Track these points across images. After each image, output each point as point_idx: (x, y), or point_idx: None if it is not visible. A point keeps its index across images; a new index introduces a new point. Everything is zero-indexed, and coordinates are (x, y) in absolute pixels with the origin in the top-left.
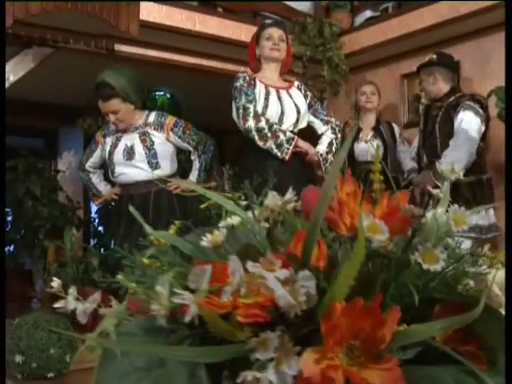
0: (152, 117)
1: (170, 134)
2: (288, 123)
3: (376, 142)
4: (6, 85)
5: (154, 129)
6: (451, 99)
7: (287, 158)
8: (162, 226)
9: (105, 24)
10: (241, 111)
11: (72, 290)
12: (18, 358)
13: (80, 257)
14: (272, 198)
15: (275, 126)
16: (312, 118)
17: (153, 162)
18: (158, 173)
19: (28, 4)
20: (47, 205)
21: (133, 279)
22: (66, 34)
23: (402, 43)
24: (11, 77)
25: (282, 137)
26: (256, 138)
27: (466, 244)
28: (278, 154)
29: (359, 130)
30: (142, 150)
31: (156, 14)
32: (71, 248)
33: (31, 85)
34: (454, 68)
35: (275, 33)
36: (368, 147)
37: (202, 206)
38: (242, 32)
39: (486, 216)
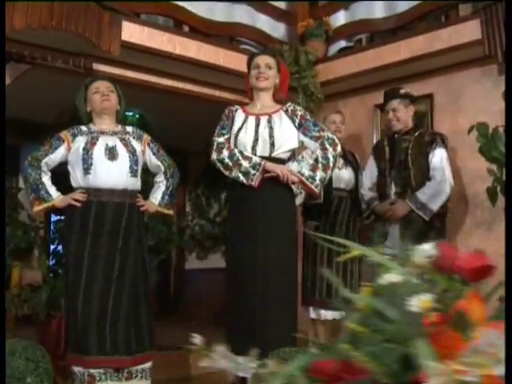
0: (130, 128)
1: (147, 148)
2: (262, 149)
3: (348, 170)
4: None
5: (133, 138)
6: (421, 134)
7: (255, 184)
8: (134, 240)
9: (86, 43)
10: (212, 145)
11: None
12: None
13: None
14: (419, 254)
15: (238, 155)
16: (302, 138)
17: (134, 168)
18: (135, 183)
19: (13, 19)
20: (9, 224)
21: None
22: (44, 51)
23: (376, 74)
24: None
25: (245, 164)
26: (221, 169)
27: None
28: (245, 181)
29: None
30: (125, 153)
31: (138, 36)
32: (43, 271)
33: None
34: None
35: (262, 61)
36: (340, 174)
37: (345, 256)
38: (220, 56)
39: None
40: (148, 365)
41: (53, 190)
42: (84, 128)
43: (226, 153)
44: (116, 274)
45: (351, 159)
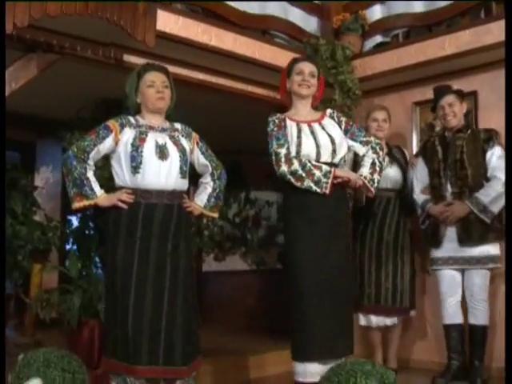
0: (179, 125)
1: (195, 147)
2: (326, 155)
3: (394, 168)
4: (8, 92)
5: (183, 136)
6: (474, 131)
7: (328, 191)
8: (184, 244)
9: (120, 32)
10: (273, 157)
11: None
12: None
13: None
14: None
15: (308, 165)
16: (351, 143)
17: (184, 168)
18: (184, 184)
19: (47, 5)
20: (26, 224)
21: None
22: (74, 41)
23: (416, 71)
24: (13, 83)
25: (317, 173)
26: (292, 180)
27: (481, 274)
28: (318, 190)
29: None
30: (176, 152)
31: (172, 25)
32: (76, 274)
33: (27, 93)
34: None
35: (307, 68)
36: (386, 174)
37: None
38: (255, 50)
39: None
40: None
41: (97, 187)
42: (132, 120)
43: (296, 164)
44: (168, 280)
45: (399, 156)
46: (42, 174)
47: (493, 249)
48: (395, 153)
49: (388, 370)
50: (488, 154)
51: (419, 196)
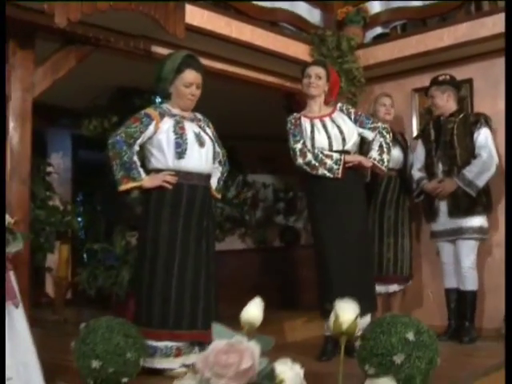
0: (200, 116)
1: (212, 136)
2: (336, 145)
3: (396, 150)
4: (50, 82)
5: (206, 126)
6: (466, 116)
7: (340, 176)
8: (212, 223)
9: (148, 25)
10: (291, 152)
11: None
12: (95, 364)
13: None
14: None
15: (320, 156)
16: (361, 130)
17: (214, 156)
18: (212, 169)
19: (83, 4)
20: (44, 208)
21: None
22: (107, 33)
23: (416, 60)
24: (54, 74)
25: (329, 162)
26: (308, 170)
27: (467, 243)
28: (331, 176)
29: None
30: (208, 140)
31: (199, 19)
32: (121, 251)
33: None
34: (459, 89)
35: (312, 71)
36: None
37: None
38: (270, 41)
39: (487, 220)
40: None
41: (142, 170)
42: (166, 109)
43: (310, 156)
44: (205, 254)
45: (400, 139)
46: (53, 160)
47: (479, 221)
48: (397, 136)
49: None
50: (475, 135)
51: (416, 173)
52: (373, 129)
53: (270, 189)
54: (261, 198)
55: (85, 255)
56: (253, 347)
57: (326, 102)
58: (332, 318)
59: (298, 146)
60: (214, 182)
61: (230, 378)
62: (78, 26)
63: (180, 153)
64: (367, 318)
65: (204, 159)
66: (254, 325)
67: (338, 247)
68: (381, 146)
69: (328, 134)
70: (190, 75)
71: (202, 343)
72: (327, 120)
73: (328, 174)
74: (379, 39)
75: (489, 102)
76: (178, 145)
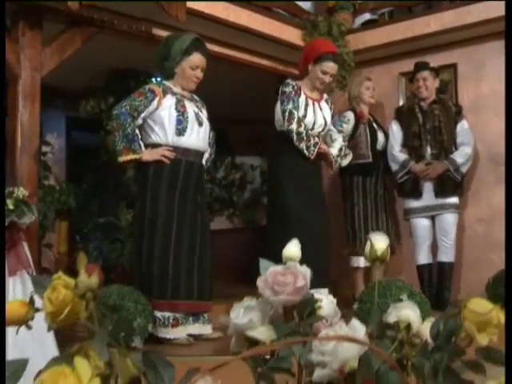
0: (196, 97)
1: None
2: (316, 131)
3: (380, 134)
4: (57, 63)
5: (202, 107)
6: (447, 105)
7: (312, 157)
8: (204, 198)
9: (150, 8)
10: (286, 114)
11: None
12: None
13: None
14: None
15: (309, 132)
16: (331, 127)
17: (209, 134)
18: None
19: None
20: (41, 187)
21: None
22: (111, 15)
23: (403, 45)
24: (60, 55)
25: (312, 141)
26: (294, 138)
27: (453, 216)
28: (306, 153)
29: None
30: (205, 120)
31: (198, 3)
32: (126, 224)
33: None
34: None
35: (331, 70)
36: (378, 138)
37: None
38: (265, 25)
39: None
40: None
41: (142, 144)
42: (169, 86)
43: (303, 128)
44: (199, 227)
45: (382, 125)
46: (48, 140)
47: (457, 199)
48: (378, 121)
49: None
50: (459, 125)
51: (399, 154)
52: (340, 131)
53: (257, 170)
54: (249, 179)
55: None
56: (304, 270)
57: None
58: (367, 247)
59: (297, 113)
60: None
61: (288, 293)
62: (83, 9)
63: (181, 130)
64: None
65: (202, 137)
66: (295, 260)
67: (304, 221)
68: (340, 149)
69: (315, 119)
70: (197, 58)
71: (197, 313)
72: (317, 105)
73: (305, 151)
74: (368, 25)
75: (472, 85)
76: (180, 122)
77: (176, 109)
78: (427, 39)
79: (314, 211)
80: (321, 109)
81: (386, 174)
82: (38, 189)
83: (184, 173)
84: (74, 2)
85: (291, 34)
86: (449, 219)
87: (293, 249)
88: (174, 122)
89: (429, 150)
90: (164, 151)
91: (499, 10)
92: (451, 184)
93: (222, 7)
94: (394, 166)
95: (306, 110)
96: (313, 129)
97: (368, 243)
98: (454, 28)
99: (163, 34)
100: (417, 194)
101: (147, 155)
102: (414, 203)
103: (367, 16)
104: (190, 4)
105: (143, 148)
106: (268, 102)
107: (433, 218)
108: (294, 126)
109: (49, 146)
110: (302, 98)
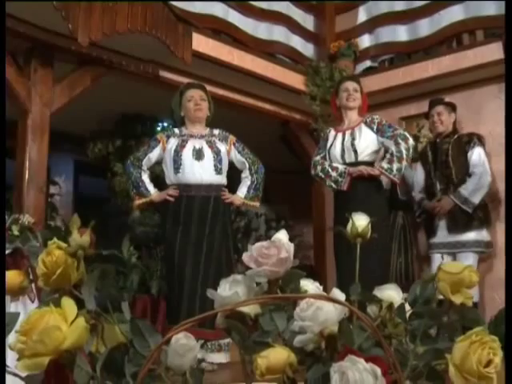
0: (216, 131)
1: (232, 147)
2: (349, 157)
3: None
4: (67, 99)
5: (219, 140)
6: (460, 136)
7: (345, 188)
8: (219, 228)
9: (157, 51)
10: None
11: None
12: None
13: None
14: None
15: (327, 168)
16: (381, 139)
17: (218, 166)
18: (220, 179)
19: (116, 23)
20: (46, 227)
21: None
22: (119, 56)
23: (403, 90)
24: (70, 92)
25: (334, 174)
26: (319, 180)
27: (467, 256)
28: (337, 188)
29: None
30: (210, 154)
31: (204, 46)
32: (129, 258)
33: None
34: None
35: (351, 85)
36: None
37: None
38: (269, 70)
39: (487, 234)
40: (228, 339)
41: (151, 187)
42: (176, 131)
43: (319, 168)
44: (204, 257)
45: None
46: (55, 180)
47: (476, 234)
48: None
49: None
50: (469, 154)
51: (417, 194)
52: (391, 137)
53: (262, 218)
54: (253, 227)
55: None
56: (288, 244)
57: (361, 115)
58: (349, 225)
59: (316, 158)
60: (243, 191)
61: (271, 265)
62: (93, 49)
63: (176, 168)
64: None
65: (200, 171)
66: None
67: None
68: (391, 154)
69: (342, 147)
70: (190, 92)
71: (207, 341)
72: (348, 132)
73: (334, 186)
74: (369, 71)
75: (471, 128)
76: (175, 161)
77: (175, 150)
78: (426, 84)
79: None
80: (352, 134)
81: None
82: (43, 220)
83: (185, 207)
84: (84, 39)
85: (294, 79)
86: (466, 258)
87: None
88: (171, 161)
89: (438, 185)
90: (169, 190)
91: (495, 54)
92: (463, 218)
93: (226, 51)
94: (415, 207)
95: (332, 143)
96: (343, 158)
97: (350, 222)
98: (451, 72)
99: (170, 76)
100: (432, 231)
101: (156, 197)
102: (432, 239)
103: (368, 63)
104: (195, 47)
105: (152, 191)
106: (271, 149)
107: (455, 256)
108: (312, 172)
109: (56, 185)
110: (330, 136)
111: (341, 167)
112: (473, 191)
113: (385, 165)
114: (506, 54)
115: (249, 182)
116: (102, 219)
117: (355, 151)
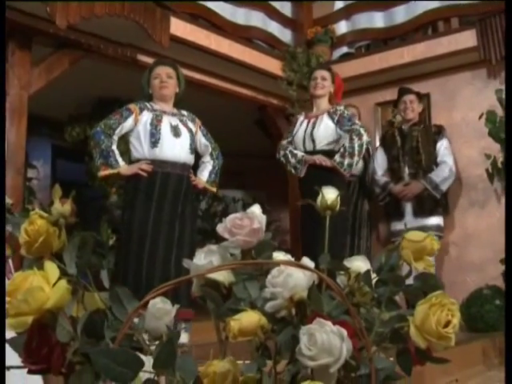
0: (185, 112)
1: (198, 130)
2: (308, 145)
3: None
4: (43, 83)
5: (189, 120)
6: (426, 126)
7: (302, 174)
8: (189, 209)
9: (135, 34)
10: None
11: None
12: None
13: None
14: None
15: (288, 154)
16: (339, 131)
17: (192, 146)
18: (191, 159)
19: (94, 6)
20: (23, 211)
21: None
22: (97, 40)
23: (379, 76)
24: (48, 76)
25: (293, 161)
26: (283, 164)
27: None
28: (296, 173)
29: None
30: (186, 133)
31: (182, 31)
32: (107, 240)
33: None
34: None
35: (318, 74)
36: None
37: None
38: (246, 54)
39: (442, 220)
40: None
41: (120, 159)
42: (148, 105)
43: (281, 153)
44: (177, 238)
45: None
46: (34, 164)
47: (437, 220)
48: None
49: None
50: (438, 144)
51: (380, 178)
52: (347, 131)
53: (239, 203)
54: (231, 211)
55: None
56: (261, 216)
57: (331, 104)
58: (319, 198)
59: (283, 142)
60: (205, 175)
61: (245, 235)
62: (71, 32)
63: (154, 142)
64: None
65: (178, 149)
66: None
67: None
68: (344, 149)
69: (304, 134)
70: (157, 69)
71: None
72: (312, 120)
73: (293, 171)
74: (346, 57)
75: (445, 114)
76: (153, 135)
77: (151, 123)
78: (401, 70)
79: None
80: (314, 123)
81: (364, 199)
82: (21, 203)
83: (160, 184)
84: (62, 21)
85: (271, 65)
86: None
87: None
88: (148, 135)
89: (406, 170)
90: (141, 165)
91: (469, 41)
92: (430, 203)
93: (204, 35)
94: (376, 190)
95: (297, 129)
96: (304, 144)
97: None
98: (426, 59)
99: (147, 60)
100: (397, 215)
101: (125, 170)
102: (395, 225)
103: (345, 49)
104: (173, 31)
105: (121, 163)
106: (248, 134)
107: None
108: (276, 155)
109: (34, 169)
110: (298, 121)
111: (299, 154)
112: (444, 179)
113: (337, 158)
114: (506, 54)
115: (210, 167)
116: (81, 203)
117: (313, 140)
